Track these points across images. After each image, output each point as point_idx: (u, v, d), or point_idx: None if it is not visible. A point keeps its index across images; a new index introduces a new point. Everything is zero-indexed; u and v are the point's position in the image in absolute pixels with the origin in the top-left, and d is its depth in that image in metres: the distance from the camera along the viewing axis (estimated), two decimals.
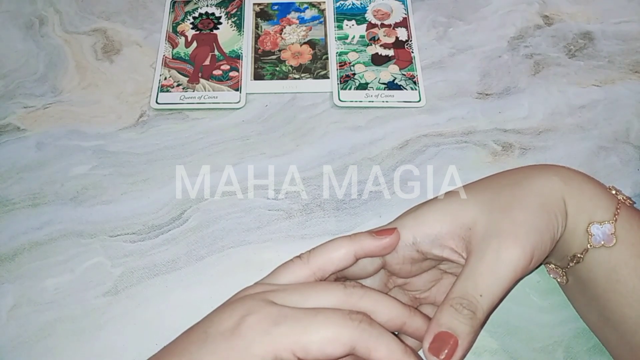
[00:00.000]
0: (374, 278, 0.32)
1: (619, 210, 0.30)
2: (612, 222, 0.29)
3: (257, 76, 0.45)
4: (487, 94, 0.45)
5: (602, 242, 0.29)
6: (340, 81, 0.45)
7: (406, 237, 0.30)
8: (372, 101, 0.44)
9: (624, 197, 0.31)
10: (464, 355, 0.27)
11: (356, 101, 0.44)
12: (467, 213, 0.29)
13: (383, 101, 0.44)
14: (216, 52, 0.46)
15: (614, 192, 0.31)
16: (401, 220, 0.31)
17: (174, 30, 0.48)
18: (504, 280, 0.27)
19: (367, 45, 0.47)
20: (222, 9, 0.49)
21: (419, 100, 0.44)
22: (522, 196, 0.29)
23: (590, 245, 0.29)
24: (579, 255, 0.30)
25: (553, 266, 0.33)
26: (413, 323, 0.28)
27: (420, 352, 0.28)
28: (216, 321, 0.26)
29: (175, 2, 0.50)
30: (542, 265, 0.35)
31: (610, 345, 0.32)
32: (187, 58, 0.46)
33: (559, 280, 0.33)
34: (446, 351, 0.26)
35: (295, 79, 0.45)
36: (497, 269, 0.27)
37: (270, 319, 0.25)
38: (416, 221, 0.30)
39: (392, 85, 0.45)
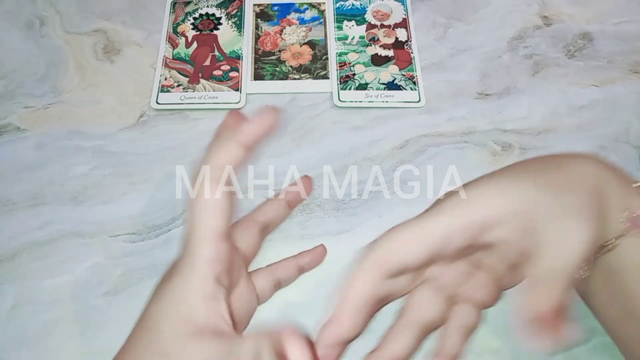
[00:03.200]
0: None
1: None
2: None
3: (257, 76, 0.45)
4: (486, 94, 0.45)
5: (636, 230, 0.29)
6: (340, 81, 0.45)
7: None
8: (372, 101, 0.44)
9: None
10: (570, 330, 0.26)
11: (356, 101, 0.44)
12: (524, 196, 0.28)
13: (383, 101, 0.44)
14: (216, 53, 0.46)
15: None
16: (450, 201, 0.29)
17: (175, 31, 0.48)
18: (575, 258, 0.27)
19: (367, 45, 0.47)
20: (223, 10, 0.49)
21: (419, 101, 0.44)
22: (573, 179, 0.29)
23: (624, 233, 0.29)
24: (611, 242, 0.29)
25: None
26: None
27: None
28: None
29: (175, 2, 0.50)
30: None
31: (628, 340, 0.31)
32: (187, 58, 0.46)
33: (578, 275, 0.31)
34: (547, 327, 0.26)
35: (295, 79, 0.45)
36: (565, 248, 0.27)
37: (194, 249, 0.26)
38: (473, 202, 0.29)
39: (392, 86, 0.45)
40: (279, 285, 0.35)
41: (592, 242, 0.27)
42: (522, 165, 0.31)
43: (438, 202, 0.30)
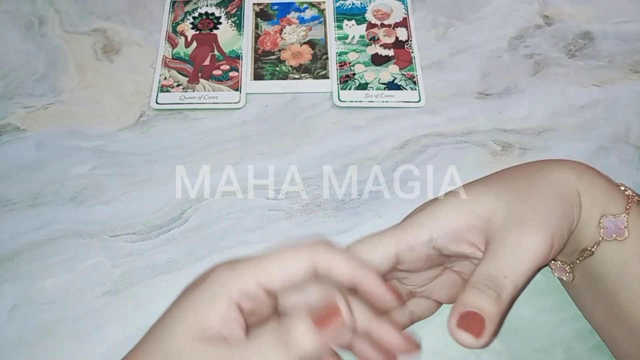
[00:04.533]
0: None
1: (630, 205, 0.30)
2: (625, 215, 0.29)
3: (257, 76, 0.45)
4: (487, 94, 0.45)
5: (614, 235, 0.29)
6: (340, 81, 0.45)
7: (422, 234, 0.29)
8: (372, 101, 0.44)
9: (633, 193, 0.31)
10: (491, 339, 0.25)
11: (356, 101, 0.44)
12: (485, 204, 0.29)
13: (383, 101, 0.44)
14: (216, 52, 0.46)
15: (622, 188, 0.31)
16: (415, 218, 0.30)
17: (174, 30, 0.48)
18: (527, 264, 0.27)
19: (367, 45, 0.47)
20: (222, 9, 0.49)
21: (419, 100, 0.44)
22: (539, 186, 0.29)
23: (602, 238, 0.29)
24: (590, 248, 0.30)
25: (559, 263, 0.32)
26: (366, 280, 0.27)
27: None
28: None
29: (175, 2, 0.50)
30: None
31: (615, 342, 0.32)
32: (187, 58, 0.46)
33: (564, 278, 0.33)
34: (475, 326, 0.25)
35: (295, 79, 0.45)
36: (519, 253, 0.27)
37: (232, 265, 0.25)
38: (431, 215, 0.29)
39: (392, 85, 0.45)
40: None
41: (547, 250, 0.27)
42: (500, 173, 0.32)
43: (415, 211, 0.31)
